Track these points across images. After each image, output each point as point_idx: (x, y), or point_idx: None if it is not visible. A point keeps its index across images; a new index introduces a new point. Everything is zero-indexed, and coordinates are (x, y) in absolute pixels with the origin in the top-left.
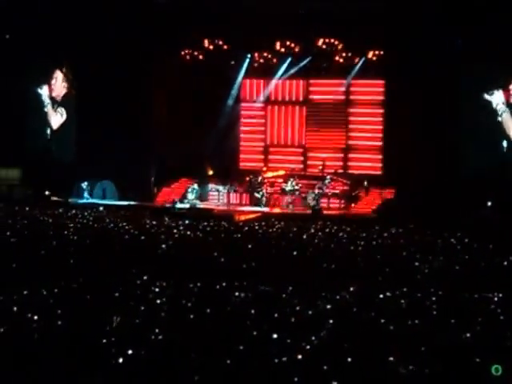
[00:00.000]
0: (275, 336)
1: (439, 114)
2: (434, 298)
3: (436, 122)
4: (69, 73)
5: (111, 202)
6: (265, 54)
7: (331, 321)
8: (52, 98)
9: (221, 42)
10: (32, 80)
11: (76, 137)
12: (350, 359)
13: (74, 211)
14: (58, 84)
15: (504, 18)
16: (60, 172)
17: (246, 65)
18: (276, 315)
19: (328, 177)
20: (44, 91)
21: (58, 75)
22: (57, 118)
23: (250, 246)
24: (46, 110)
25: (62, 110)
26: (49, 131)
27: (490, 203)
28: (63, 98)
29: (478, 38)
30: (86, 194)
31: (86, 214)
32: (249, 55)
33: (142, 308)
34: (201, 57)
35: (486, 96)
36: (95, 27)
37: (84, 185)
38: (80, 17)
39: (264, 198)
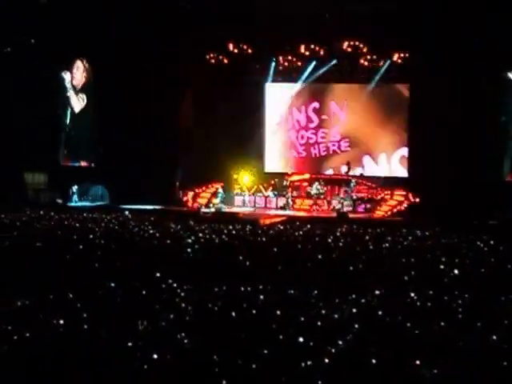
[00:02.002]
0: (301, 340)
1: (464, 115)
2: (459, 301)
3: (461, 123)
4: (89, 67)
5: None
6: (289, 58)
7: (357, 325)
8: (73, 86)
9: (245, 46)
10: (54, 71)
11: (96, 139)
12: (375, 363)
13: (97, 214)
14: (79, 73)
15: None
16: (78, 174)
17: (272, 68)
18: (302, 319)
19: (353, 180)
20: (67, 76)
21: (79, 65)
22: (78, 103)
23: (275, 250)
24: (68, 94)
25: (83, 96)
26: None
27: None
28: (82, 87)
29: (502, 37)
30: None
31: (109, 217)
32: (273, 59)
33: (168, 312)
34: (225, 60)
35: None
36: (118, 26)
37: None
38: (102, 13)
39: (290, 202)
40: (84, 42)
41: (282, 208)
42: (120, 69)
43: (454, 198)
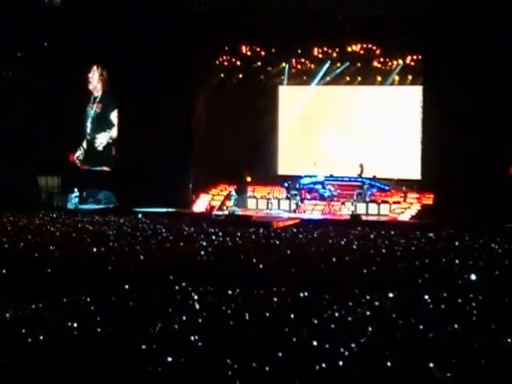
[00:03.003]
0: (315, 343)
1: (480, 116)
2: (473, 303)
3: (477, 124)
4: (105, 73)
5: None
6: (302, 60)
7: (370, 328)
8: (90, 93)
9: (258, 48)
10: (70, 76)
11: (114, 143)
12: (388, 365)
13: (112, 218)
14: (95, 78)
15: None
16: (92, 178)
17: (285, 71)
18: (315, 321)
19: (366, 182)
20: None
21: (95, 71)
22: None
23: (288, 252)
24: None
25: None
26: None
27: None
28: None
29: None
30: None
31: (122, 220)
32: (287, 61)
33: (181, 314)
34: (238, 63)
35: None
36: (134, 30)
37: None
38: (118, 19)
39: (302, 204)
40: (100, 48)
41: (295, 210)
42: (133, 72)
43: (467, 200)
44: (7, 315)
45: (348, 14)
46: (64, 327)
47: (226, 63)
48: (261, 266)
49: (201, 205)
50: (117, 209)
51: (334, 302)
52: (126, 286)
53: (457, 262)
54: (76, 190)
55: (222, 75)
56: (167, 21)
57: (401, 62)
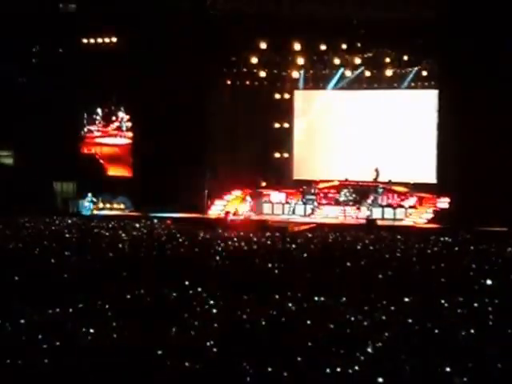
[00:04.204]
0: (330, 347)
1: (496, 120)
2: (490, 308)
3: (493, 127)
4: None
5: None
6: (317, 65)
7: (387, 333)
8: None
9: (273, 53)
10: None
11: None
12: (405, 370)
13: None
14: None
15: None
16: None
17: (302, 76)
18: (331, 326)
19: (381, 186)
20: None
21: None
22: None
23: (304, 255)
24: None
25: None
26: None
27: None
28: None
29: None
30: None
31: (138, 225)
32: (302, 66)
33: (196, 320)
34: (254, 68)
35: None
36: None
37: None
38: (132, 22)
39: (317, 209)
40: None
41: (310, 215)
42: (146, 79)
43: (484, 204)
44: (22, 321)
45: (363, 18)
46: (79, 333)
47: (239, 67)
48: (276, 270)
49: (216, 210)
50: (132, 214)
51: (349, 307)
52: (142, 291)
53: (473, 266)
54: (90, 195)
55: (237, 81)
56: (178, 19)
57: (416, 66)
